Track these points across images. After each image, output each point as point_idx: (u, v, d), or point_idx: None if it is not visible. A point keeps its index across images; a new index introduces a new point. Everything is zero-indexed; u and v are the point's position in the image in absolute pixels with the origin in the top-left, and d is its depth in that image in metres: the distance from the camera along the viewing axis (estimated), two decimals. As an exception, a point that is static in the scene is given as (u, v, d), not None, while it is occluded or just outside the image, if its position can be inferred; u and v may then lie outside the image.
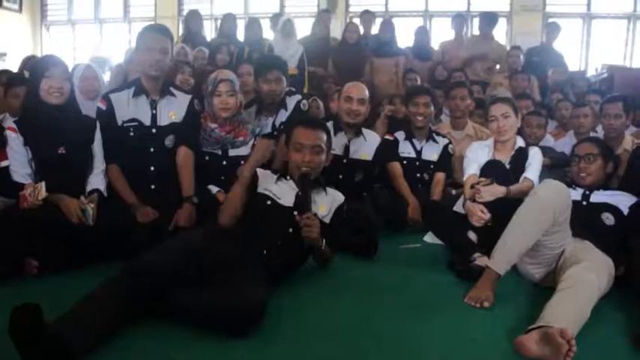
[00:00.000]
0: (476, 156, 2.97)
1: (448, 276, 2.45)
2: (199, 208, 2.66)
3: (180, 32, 9.49)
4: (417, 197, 3.32)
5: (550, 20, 6.56)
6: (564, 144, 3.88)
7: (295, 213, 2.19)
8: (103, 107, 2.70)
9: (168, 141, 2.75)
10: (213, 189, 2.82)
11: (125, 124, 2.70)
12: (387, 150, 3.45)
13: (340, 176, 3.17)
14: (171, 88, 2.83)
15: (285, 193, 2.26)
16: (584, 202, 2.55)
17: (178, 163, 2.72)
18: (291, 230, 2.19)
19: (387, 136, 3.57)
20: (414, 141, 3.55)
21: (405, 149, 3.54)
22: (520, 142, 2.97)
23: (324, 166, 2.37)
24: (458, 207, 2.94)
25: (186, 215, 2.59)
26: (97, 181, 2.57)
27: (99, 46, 9.13)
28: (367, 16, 6.39)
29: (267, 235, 2.16)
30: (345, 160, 3.27)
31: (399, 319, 2.00)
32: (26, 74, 4.50)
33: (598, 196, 2.56)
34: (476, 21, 6.46)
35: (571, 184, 2.65)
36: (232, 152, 2.90)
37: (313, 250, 2.30)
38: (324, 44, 5.96)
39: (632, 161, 2.77)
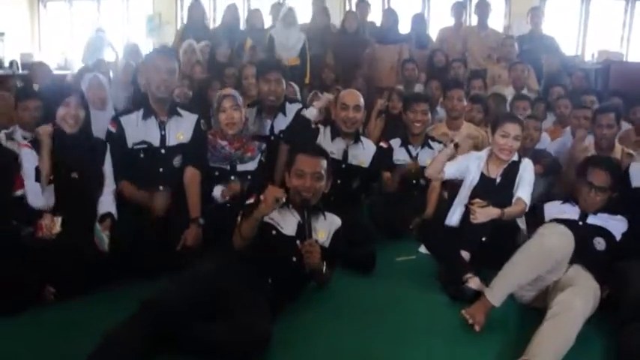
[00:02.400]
0: (465, 164, 3.09)
1: (442, 296, 2.59)
2: (209, 225, 2.77)
3: (179, 12, 9.56)
4: (413, 203, 3.46)
5: (534, 6, 6.53)
6: (561, 143, 3.99)
7: (298, 242, 2.33)
8: (114, 130, 2.81)
9: (177, 161, 2.87)
10: (218, 190, 2.91)
11: (135, 146, 2.81)
12: (383, 158, 3.54)
13: (338, 181, 3.25)
14: (178, 109, 2.93)
15: (287, 221, 2.38)
16: (581, 222, 2.63)
17: (185, 183, 2.82)
18: (294, 259, 2.32)
19: (382, 144, 3.65)
20: (410, 147, 3.64)
21: (400, 156, 3.64)
22: (513, 157, 3.04)
23: (323, 192, 2.47)
24: (450, 220, 3.07)
25: (193, 236, 2.71)
26: (108, 202, 2.68)
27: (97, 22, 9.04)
28: (363, 4, 6.39)
29: (272, 264, 2.29)
30: (343, 165, 3.36)
31: (397, 343, 2.16)
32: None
33: (595, 219, 2.63)
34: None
35: (569, 199, 2.73)
36: (240, 167, 3.00)
37: (314, 274, 2.43)
38: (324, 33, 5.97)
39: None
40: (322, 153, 2.46)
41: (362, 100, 3.39)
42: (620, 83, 5.16)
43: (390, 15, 6.03)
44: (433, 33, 6.50)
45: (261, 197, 2.39)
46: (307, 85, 5.45)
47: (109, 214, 2.62)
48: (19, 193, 2.51)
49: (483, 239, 2.78)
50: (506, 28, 6.58)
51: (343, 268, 2.71)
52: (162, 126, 2.86)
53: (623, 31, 7.69)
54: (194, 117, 2.96)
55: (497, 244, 2.70)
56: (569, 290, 2.18)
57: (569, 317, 2.07)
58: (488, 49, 5.91)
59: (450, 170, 3.10)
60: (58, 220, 2.36)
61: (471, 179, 3.06)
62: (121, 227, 2.60)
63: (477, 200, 2.75)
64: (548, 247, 2.26)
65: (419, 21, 6.25)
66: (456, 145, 3.11)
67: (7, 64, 8.09)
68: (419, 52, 5.92)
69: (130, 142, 2.80)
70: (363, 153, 3.42)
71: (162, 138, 2.85)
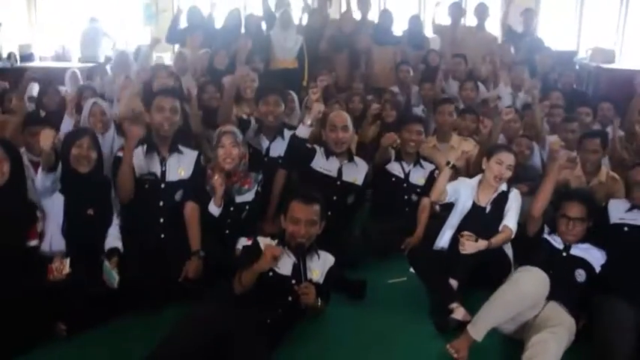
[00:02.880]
0: (458, 189, 3.23)
1: (429, 326, 2.75)
2: (212, 259, 2.92)
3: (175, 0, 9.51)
4: (405, 222, 3.61)
5: (527, 7, 6.60)
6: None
7: (293, 282, 2.49)
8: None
9: (178, 195, 3.02)
10: (243, 243, 3.03)
11: (143, 177, 2.95)
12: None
13: (334, 197, 3.43)
14: (179, 146, 3.07)
15: (284, 262, 2.53)
16: (564, 254, 2.78)
17: (186, 217, 2.96)
18: (290, 299, 2.48)
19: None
20: (403, 163, 3.77)
21: (395, 168, 3.77)
22: (502, 186, 3.18)
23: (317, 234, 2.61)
24: (439, 242, 3.23)
25: (194, 269, 2.85)
26: (114, 235, 2.83)
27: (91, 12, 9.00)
28: (364, 2, 6.41)
29: (270, 304, 2.45)
30: (338, 182, 3.52)
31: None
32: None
33: (577, 250, 2.77)
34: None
35: (552, 232, 2.87)
36: (239, 199, 3.13)
37: (309, 309, 2.58)
38: (320, 35, 6.02)
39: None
40: (316, 199, 2.59)
41: (349, 120, 3.54)
42: (610, 90, 5.26)
43: (386, 16, 6.09)
44: (429, 34, 6.57)
45: (259, 240, 2.55)
46: (305, 87, 5.54)
47: (115, 250, 2.76)
48: (32, 243, 2.64)
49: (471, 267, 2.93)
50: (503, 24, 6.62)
51: (336, 292, 2.84)
52: (163, 162, 3.01)
53: (618, 21, 7.71)
54: (194, 153, 3.11)
55: (485, 269, 2.88)
56: (544, 332, 2.35)
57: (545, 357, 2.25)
58: (484, 51, 5.97)
59: (449, 190, 3.23)
60: (67, 261, 2.49)
61: (463, 206, 3.21)
62: (127, 260, 2.75)
63: (467, 233, 2.89)
64: (524, 290, 2.44)
65: (415, 22, 6.34)
66: (453, 167, 3.24)
67: (5, 56, 8.09)
68: (415, 52, 6.02)
69: (137, 173, 2.94)
70: (357, 170, 3.59)
71: (163, 174, 3.00)
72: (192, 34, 5.71)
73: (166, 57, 8.20)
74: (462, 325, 2.61)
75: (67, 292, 2.48)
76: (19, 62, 8.00)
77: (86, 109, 3.51)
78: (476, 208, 3.17)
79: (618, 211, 2.82)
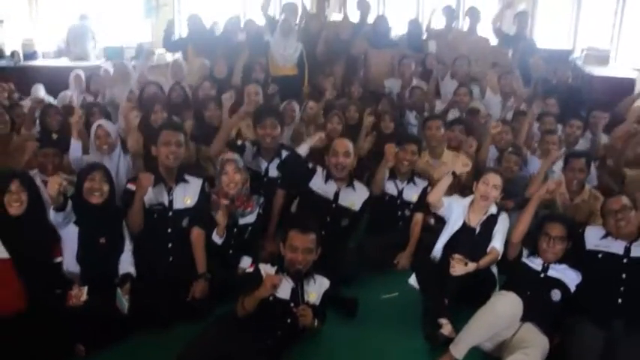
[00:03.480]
0: (451, 207, 3.45)
1: (418, 341, 2.98)
2: (217, 280, 3.15)
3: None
4: (398, 237, 3.83)
5: (520, 10, 6.75)
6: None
7: (292, 304, 2.72)
8: (133, 189, 3.11)
9: (185, 222, 3.23)
10: (246, 261, 3.31)
11: (152, 206, 3.16)
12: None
13: (328, 219, 3.64)
14: (185, 175, 3.27)
15: (283, 286, 2.74)
16: (542, 275, 2.98)
17: (192, 242, 3.18)
18: (289, 321, 2.71)
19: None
20: (397, 181, 3.96)
21: (389, 187, 3.95)
22: (492, 209, 3.38)
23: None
24: (435, 252, 3.44)
25: (201, 289, 3.08)
26: (127, 261, 3.05)
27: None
28: (364, 4, 6.56)
29: (270, 326, 2.68)
30: (333, 205, 3.69)
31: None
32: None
33: (554, 271, 2.97)
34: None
35: (533, 252, 3.07)
36: (242, 221, 3.35)
37: (307, 329, 2.81)
38: (318, 39, 6.16)
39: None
40: (312, 228, 2.81)
41: (351, 146, 3.70)
42: (602, 95, 5.44)
43: (381, 22, 6.25)
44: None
45: (260, 267, 2.77)
46: (306, 94, 5.71)
47: (128, 275, 2.98)
48: (57, 260, 2.89)
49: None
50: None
51: (329, 309, 3.04)
52: (170, 192, 3.22)
53: (614, 18, 7.76)
54: (199, 181, 3.32)
55: (473, 286, 3.09)
56: (518, 353, 2.59)
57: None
58: (476, 54, 6.12)
59: (444, 202, 3.46)
60: (85, 289, 2.71)
61: (454, 224, 3.42)
62: (139, 283, 2.97)
63: (457, 256, 3.09)
64: (499, 313, 2.70)
65: (414, 25, 6.48)
66: (454, 174, 3.45)
67: (8, 53, 8.18)
68: (414, 55, 6.15)
69: (146, 203, 3.14)
70: (355, 196, 3.74)
71: (170, 202, 3.21)
72: (192, 43, 5.82)
73: (169, 55, 8.34)
74: (448, 341, 2.83)
75: (85, 316, 2.70)
76: (22, 61, 8.10)
77: (92, 131, 3.69)
78: (466, 229, 3.38)
79: (594, 237, 3.01)
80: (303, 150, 3.80)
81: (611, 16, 7.65)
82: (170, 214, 3.21)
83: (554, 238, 2.95)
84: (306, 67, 5.85)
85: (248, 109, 3.97)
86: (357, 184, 3.78)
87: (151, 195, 3.16)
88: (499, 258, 3.25)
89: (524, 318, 2.79)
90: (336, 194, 3.70)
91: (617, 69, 6.73)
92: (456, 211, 3.45)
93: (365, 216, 3.87)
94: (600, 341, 2.67)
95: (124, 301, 2.81)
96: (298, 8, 6.37)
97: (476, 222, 3.38)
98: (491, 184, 3.33)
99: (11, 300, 2.66)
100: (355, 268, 3.54)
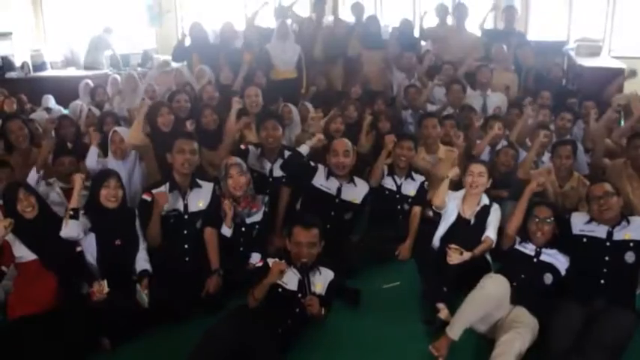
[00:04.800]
0: (446, 202, 3.66)
1: (417, 326, 3.20)
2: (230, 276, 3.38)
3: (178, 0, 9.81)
4: (398, 230, 4.05)
5: (508, 5, 6.93)
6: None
7: (300, 295, 2.95)
8: (149, 199, 3.34)
9: (199, 224, 3.46)
10: (255, 257, 3.52)
11: (168, 213, 3.38)
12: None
13: (332, 213, 3.87)
14: (197, 180, 3.49)
15: (290, 279, 2.98)
16: (535, 259, 3.18)
17: (206, 241, 3.41)
18: (297, 310, 2.94)
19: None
20: (395, 177, 4.18)
21: (388, 182, 4.19)
22: (485, 200, 3.61)
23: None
24: (434, 243, 3.67)
25: (214, 285, 3.31)
26: (143, 258, 3.28)
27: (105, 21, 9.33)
28: (358, 6, 6.76)
29: (280, 316, 2.90)
30: (337, 200, 3.93)
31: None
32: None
33: (546, 256, 3.17)
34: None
35: (525, 239, 3.28)
36: (248, 220, 3.59)
37: (314, 317, 3.03)
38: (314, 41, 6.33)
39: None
40: (315, 224, 3.02)
41: (350, 145, 3.93)
42: (592, 87, 5.62)
43: (373, 22, 6.46)
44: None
45: (268, 261, 2.99)
46: (305, 95, 5.93)
47: (145, 271, 3.22)
48: (78, 249, 3.17)
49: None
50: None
51: (335, 298, 3.24)
52: (184, 197, 3.45)
53: (607, 7, 7.95)
54: (210, 185, 3.55)
55: (469, 272, 3.26)
56: (511, 332, 2.79)
57: (509, 356, 2.70)
58: (466, 49, 6.30)
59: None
60: (104, 282, 2.94)
61: (449, 217, 3.65)
62: (158, 281, 3.21)
63: (453, 246, 3.31)
64: (488, 293, 2.90)
65: (406, 24, 6.67)
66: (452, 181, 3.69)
67: (18, 65, 8.45)
68: (406, 54, 6.31)
69: (162, 210, 3.35)
70: (356, 191, 3.98)
71: (185, 207, 3.44)
72: (197, 52, 6.04)
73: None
74: (446, 325, 3.03)
75: (109, 310, 2.94)
76: (32, 72, 8.36)
77: (109, 137, 3.97)
78: (461, 220, 3.60)
79: (579, 223, 3.20)
80: (304, 150, 4.03)
81: (603, 7, 7.82)
82: (186, 217, 3.44)
83: (542, 220, 3.17)
84: (304, 69, 6.07)
85: (252, 111, 4.16)
86: (357, 179, 4.01)
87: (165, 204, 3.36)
88: (493, 246, 3.46)
89: (519, 301, 3.00)
90: (339, 189, 3.93)
91: (608, 60, 6.88)
92: (450, 205, 3.67)
93: (367, 208, 4.09)
94: (581, 316, 2.88)
95: (143, 296, 3.04)
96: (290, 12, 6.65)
97: (470, 213, 3.60)
98: (476, 172, 3.56)
99: (46, 298, 2.94)
100: (358, 260, 3.75)
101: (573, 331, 2.81)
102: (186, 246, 3.42)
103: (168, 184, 3.42)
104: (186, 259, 3.42)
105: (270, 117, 4.13)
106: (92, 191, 3.24)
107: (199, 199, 3.47)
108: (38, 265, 2.98)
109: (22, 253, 2.98)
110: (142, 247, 3.32)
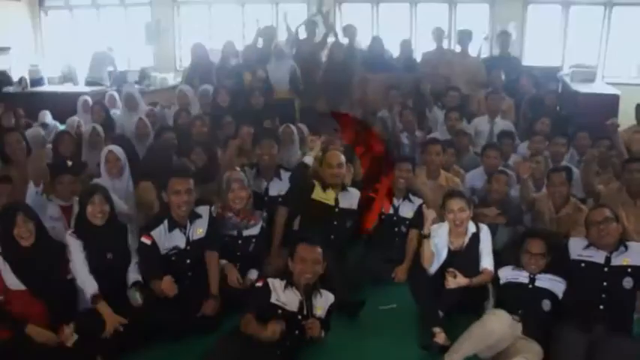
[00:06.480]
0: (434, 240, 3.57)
1: (415, 350, 3.17)
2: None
3: (176, 19, 9.88)
4: (396, 251, 4.05)
5: (502, 30, 7.02)
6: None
7: (300, 317, 2.94)
8: (148, 242, 3.26)
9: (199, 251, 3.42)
10: (253, 274, 3.53)
11: (168, 252, 3.33)
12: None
13: (335, 222, 3.92)
14: (195, 210, 3.40)
15: (291, 300, 2.97)
16: (530, 286, 3.17)
17: (207, 265, 3.38)
18: (297, 332, 2.92)
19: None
20: (393, 199, 4.18)
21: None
22: (472, 229, 3.53)
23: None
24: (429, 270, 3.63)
25: (212, 308, 3.27)
26: (133, 270, 3.26)
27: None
28: (350, 28, 6.83)
29: (279, 338, 2.85)
30: (337, 209, 3.96)
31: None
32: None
33: (542, 281, 3.15)
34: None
35: (516, 266, 3.27)
36: (246, 232, 3.62)
37: (313, 339, 3.02)
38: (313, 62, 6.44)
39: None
40: (319, 241, 3.03)
41: (343, 158, 3.98)
42: (587, 113, 5.68)
43: (376, 44, 6.52)
44: (418, 56, 6.97)
45: (268, 281, 2.98)
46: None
47: (137, 282, 3.21)
48: (69, 277, 3.11)
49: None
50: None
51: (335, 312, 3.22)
52: (184, 231, 3.36)
53: (601, 32, 8.13)
54: (207, 208, 3.45)
55: (467, 295, 3.31)
56: (518, 357, 2.78)
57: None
58: (469, 75, 6.37)
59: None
60: (71, 327, 2.88)
61: (439, 254, 3.53)
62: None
63: (451, 270, 3.31)
64: (489, 330, 2.87)
65: (406, 47, 6.75)
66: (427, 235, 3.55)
67: (15, 79, 8.46)
68: (407, 76, 6.40)
69: (162, 250, 3.30)
70: (350, 197, 4.04)
71: (187, 239, 3.37)
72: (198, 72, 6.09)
73: (169, 77, 8.63)
74: (442, 349, 3.03)
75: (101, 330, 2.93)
76: (29, 87, 8.37)
77: (102, 156, 3.94)
78: (452, 255, 3.52)
79: (577, 248, 3.19)
80: (308, 160, 4.14)
81: (598, 33, 7.95)
82: (188, 247, 3.36)
83: (535, 255, 3.17)
84: (298, 87, 6.16)
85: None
86: (349, 188, 4.08)
87: (165, 240, 3.31)
88: (492, 276, 3.39)
89: (523, 332, 2.97)
90: (336, 200, 3.97)
91: (603, 86, 6.95)
92: (439, 242, 3.54)
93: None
94: (583, 345, 2.87)
95: (136, 295, 3.07)
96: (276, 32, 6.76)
97: (459, 245, 3.53)
98: (457, 209, 3.46)
99: (37, 321, 2.89)
100: (357, 279, 3.77)
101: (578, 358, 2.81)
102: (189, 273, 3.38)
103: (166, 223, 3.32)
104: (187, 282, 3.36)
105: (266, 136, 4.21)
106: (80, 208, 3.24)
107: (199, 228, 3.41)
108: (27, 295, 2.93)
109: (12, 281, 2.92)
110: (134, 260, 3.30)
